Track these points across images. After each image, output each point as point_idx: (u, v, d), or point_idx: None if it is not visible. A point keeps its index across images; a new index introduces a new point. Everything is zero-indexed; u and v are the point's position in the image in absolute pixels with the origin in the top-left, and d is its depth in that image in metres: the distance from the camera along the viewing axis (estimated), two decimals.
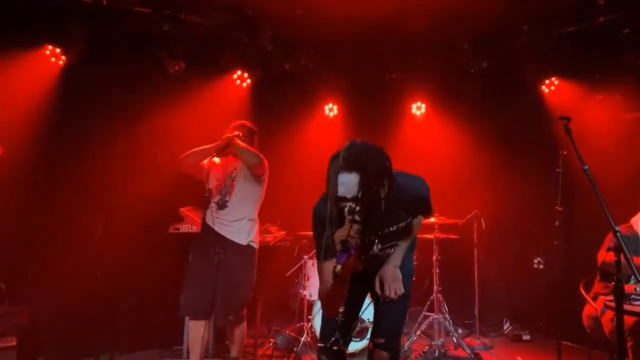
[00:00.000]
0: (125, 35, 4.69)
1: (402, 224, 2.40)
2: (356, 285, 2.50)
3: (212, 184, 3.89)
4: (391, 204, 2.22)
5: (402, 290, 2.48)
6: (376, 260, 2.50)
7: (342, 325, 2.47)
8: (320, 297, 2.47)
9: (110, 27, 4.58)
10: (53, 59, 4.65)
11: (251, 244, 3.89)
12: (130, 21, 4.58)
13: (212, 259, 3.70)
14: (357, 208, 2.09)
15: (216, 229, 3.80)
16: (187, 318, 4.36)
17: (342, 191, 2.11)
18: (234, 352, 3.91)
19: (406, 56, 5.79)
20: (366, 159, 2.11)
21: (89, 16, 4.47)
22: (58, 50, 4.66)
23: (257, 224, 4.01)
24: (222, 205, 3.83)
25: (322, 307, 2.50)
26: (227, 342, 4.03)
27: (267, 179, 4.01)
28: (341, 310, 2.45)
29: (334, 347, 2.46)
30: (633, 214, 3.74)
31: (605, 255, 3.51)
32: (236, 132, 3.86)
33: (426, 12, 4.76)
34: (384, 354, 2.43)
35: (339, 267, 2.08)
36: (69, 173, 4.58)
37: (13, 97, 4.37)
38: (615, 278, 2.26)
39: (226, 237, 3.79)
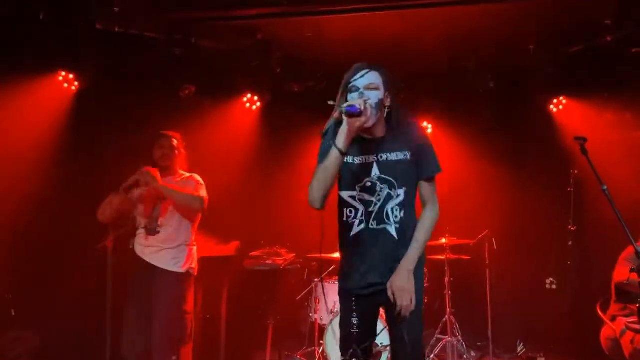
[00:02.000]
0: (137, 61, 4.75)
1: (400, 155, 2.40)
2: (365, 297, 2.45)
3: (139, 209, 3.59)
4: (396, 127, 2.40)
5: (414, 302, 2.32)
6: (373, 191, 2.41)
7: (357, 337, 2.42)
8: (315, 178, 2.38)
9: (122, 53, 4.65)
10: (66, 85, 4.71)
11: (190, 270, 3.58)
12: (142, 46, 4.65)
13: (144, 295, 3.41)
14: (368, 97, 2.28)
15: (147, 258, 3.48)
16: None
17: (357, 79, 2.33)
18: None
19: (413, 77, 5.82)
20: (384, 67, 2.40)
21: (101, 42, 4.54)
22: (71, 76, 4.72)
23: (195, 247, 3.68)
24: (152, 231, 3.50)
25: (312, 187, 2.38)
26: None
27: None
28: (355, 322, 2.42)
29: None
30: None
31: (620, 275, 3.48)
32: (144, 177, 3.43)
33: (433, 33, 4.79)
34: (408, 349, 2.33)
35: (344, 107, 2.21)
36: (80, 199, 4.58)
37: (25, 123, 4.41)
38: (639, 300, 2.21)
39: (158, 266, 3.46)
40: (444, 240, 4.97)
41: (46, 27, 4.31)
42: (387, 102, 2.37)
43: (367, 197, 2.42)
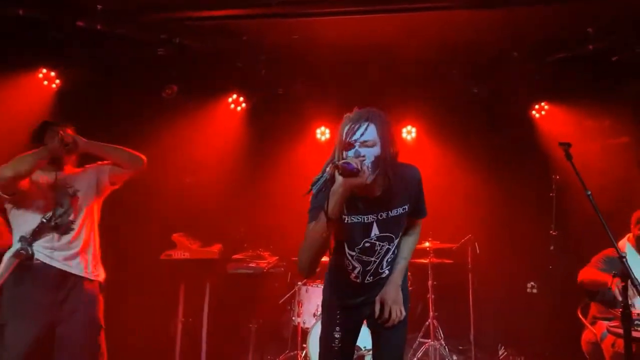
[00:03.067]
0: (121, 60, 4.68)
1: (400, 210, 2.30)
2: (352, 309, 2.46)
3: (36, 204, 2.88)
4: (393, 182, 2.22)
5: (404, 313, 2.41)
6: (372, 251, 2.35)
7: (338, 352, 2.39)
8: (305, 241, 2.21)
9: (105, 52, 4.57)
10: (46, 82, 4.63)
11: (102, 282, 3.09)
12: (126, 45, 4.57)
13: (48, 314, 2.81)
14: (363, 156, 2.12)
15: (59, 265, 2.85)
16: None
17: (354, 135, 2.15)
18: None
19: (398, 81, 5.85)
20: (379, 114, 2.23)
21: (84, 40, 4.46)
22: (53, 73, 4.64)
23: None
24: (66, 229, 2.91)
25: (302, 256, 2.22)
26: None
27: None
28: (338, 336, 2.38)
29: None
30: (620, 238, 3.78)
31: (583, 274, 3.59)
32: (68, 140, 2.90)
33: (419, 38, 4.82)
34: (393, 353, 2.38)
35: (340, 163, 2.05)
36: None
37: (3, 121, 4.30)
38: (622, 305, 2.24)
39: (76, 273, 2.90)
40: (427, 244, 4.99)
41: (26, 24, 4.21)
42: (385, 158, 2.17)
43: (365, 257, 2.36)
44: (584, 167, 4.64)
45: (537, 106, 5.65)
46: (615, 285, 3.14)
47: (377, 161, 2.14)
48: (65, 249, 2.89)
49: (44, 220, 2.78)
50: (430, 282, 5.04)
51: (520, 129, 5.76)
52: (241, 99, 5.63)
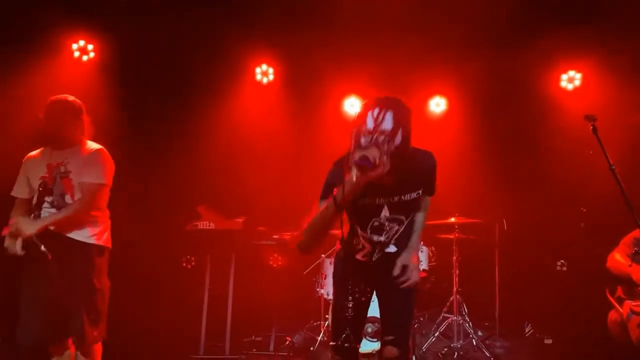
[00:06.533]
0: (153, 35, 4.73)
1: (413, 195, 2.31)
2: (363, 279, 2.47)
3: (37, 183, 3.04)
4: (408, 169, 2.20)
5: (418, 278, 2.43)
6: (381, 231, 2.38)
7: (351, 321, 2.41)
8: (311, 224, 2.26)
9: (138, 26, 4.62)
10: (77, 54, 4.72)
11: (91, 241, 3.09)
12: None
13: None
14: (386, 138, 2.08)
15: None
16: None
17: (371, 123, 2.12)
18: None
19: (428, 53, 5.71)
20: (398, 102, 2.21)
21: (119, 14, 4.53)
22: (91, 46, 4.76)
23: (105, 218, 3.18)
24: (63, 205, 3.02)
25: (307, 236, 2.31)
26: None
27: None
28: (350, 305, 2.40)
29: (345, 344, 2.39)
30: None
31: (611, 260, 3.49)
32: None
33: (448, 7, 4.68)
34: (394, 350, 2.36)
35: (356, 157, 2.05)
36: None
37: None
38: None
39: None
40: (452, 219, 4.92)
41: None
42: (403, 146, 2.14)
43: (375, 237, 2.38)
44: (622, 141, 4.48)
45: (565, 76, 5.47)
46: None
47: (395, 150, 2.12)
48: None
49: (40, 191, 3.00)
50: (455, 258, 4.99)
51: (552, 102, 5.56)
52: (270, 69, 5.64)
